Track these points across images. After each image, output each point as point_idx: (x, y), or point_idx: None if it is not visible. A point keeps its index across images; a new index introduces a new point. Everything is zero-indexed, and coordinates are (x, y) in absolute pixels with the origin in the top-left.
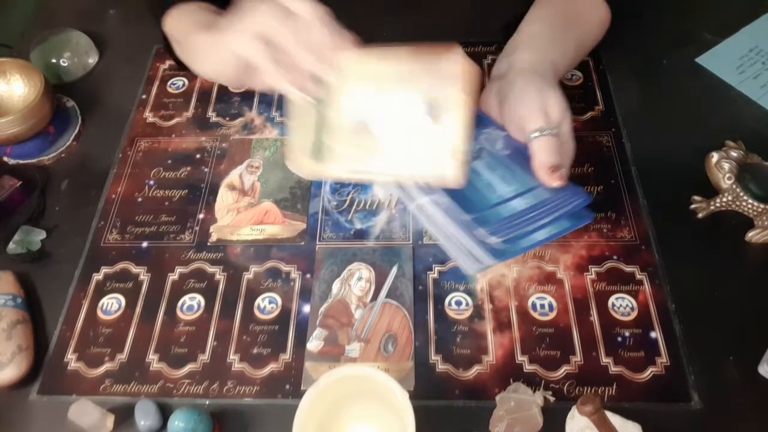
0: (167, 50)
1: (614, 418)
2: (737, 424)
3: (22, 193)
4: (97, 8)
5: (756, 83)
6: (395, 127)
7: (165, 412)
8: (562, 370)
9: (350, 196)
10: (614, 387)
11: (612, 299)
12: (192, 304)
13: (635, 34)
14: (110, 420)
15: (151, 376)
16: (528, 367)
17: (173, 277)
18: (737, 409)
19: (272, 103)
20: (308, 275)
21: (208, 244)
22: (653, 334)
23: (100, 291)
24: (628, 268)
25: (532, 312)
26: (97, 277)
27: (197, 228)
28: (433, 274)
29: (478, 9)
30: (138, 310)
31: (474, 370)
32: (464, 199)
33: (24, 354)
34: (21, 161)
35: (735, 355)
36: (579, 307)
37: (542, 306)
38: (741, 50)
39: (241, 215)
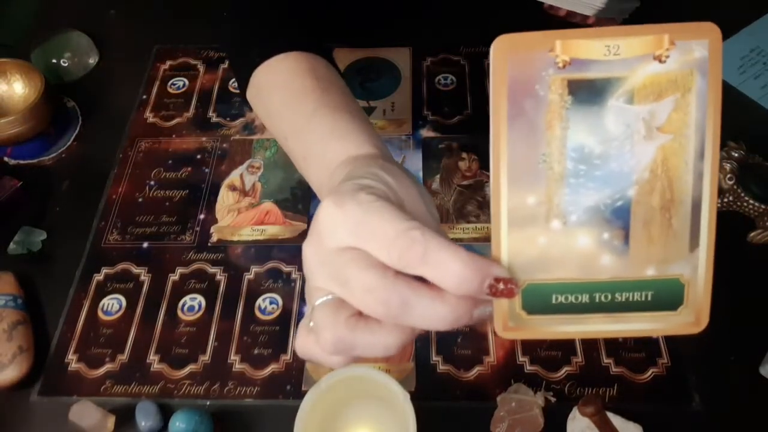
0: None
1: (615, 419)
2: (739, 425)
3: (22, 193)
4: (97, 8)
5: (757, 84)
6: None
7: (166, 413)
8: (563, 371)
9: None
10: (615, 388)
11: None
12: (193, 304)
13: None
14: (111, 421)
15: (151, 376)
16: (529, 368)
17: (174, 277)
18: (739, 410)
19: None
20: None
21: (209, 244)
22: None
23: (101, 291)
24: None
25: None
26: (98, 277)
27: (198, 228)
28: None
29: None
30: (139, 310)
31: (475, 371)
32: None
33: (25, 355)
34: (21, 161)
35: (736, 355)
36: None
37: None
38: (742, 50)
39: (241, 216)
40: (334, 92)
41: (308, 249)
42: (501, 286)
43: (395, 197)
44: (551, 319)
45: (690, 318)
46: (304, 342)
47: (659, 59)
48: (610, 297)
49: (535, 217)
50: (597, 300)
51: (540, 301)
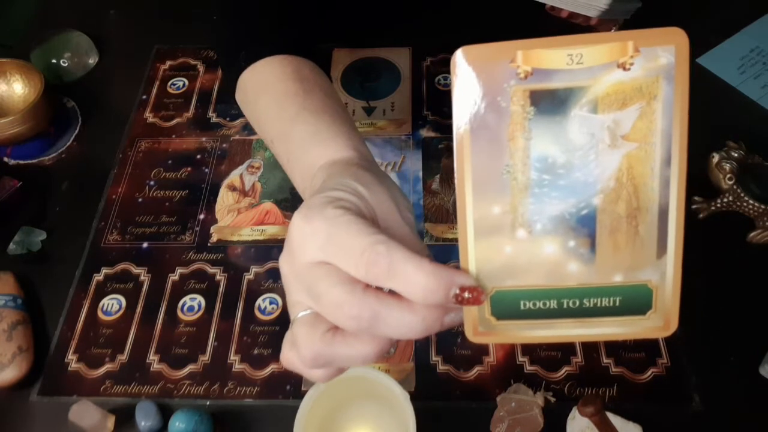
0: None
1: (615, 419)
2: (738, 425)
3: (22, 193)
4: (97, 8)
5: (757, 83)
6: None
7: (165, 413)
8: (562, 371)
9: None
10: (615, 388)
11: None
12: (192, 304)
13: None
14: (111, 421)
15: (151, 376)
16: (529, 368)
17: (174, 277)
18: (738, 410)
19: None
20: None
21: (209, 244)
22: None
23: (101, 292)
24: None
25: None
26: (98, 277)
27: (198, 228)
28: None
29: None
30: (138, 310)
31: (475, 371)
32: None
33: (24, 355)
34: (21, 162)
35: (736, 355)
36: None
37: None
38: (742, 50)
39: (241, 216)
40: (317, 95)
41: (283, 264)
42: (467, 294)
43: (366, 207)
44: (520, 324)
45: (659, 322)
46: (288, 357)
47: (623, 67)
48: (578, 303)
49: (500, 227)
50: (565, 305)
51: (508, 307)
